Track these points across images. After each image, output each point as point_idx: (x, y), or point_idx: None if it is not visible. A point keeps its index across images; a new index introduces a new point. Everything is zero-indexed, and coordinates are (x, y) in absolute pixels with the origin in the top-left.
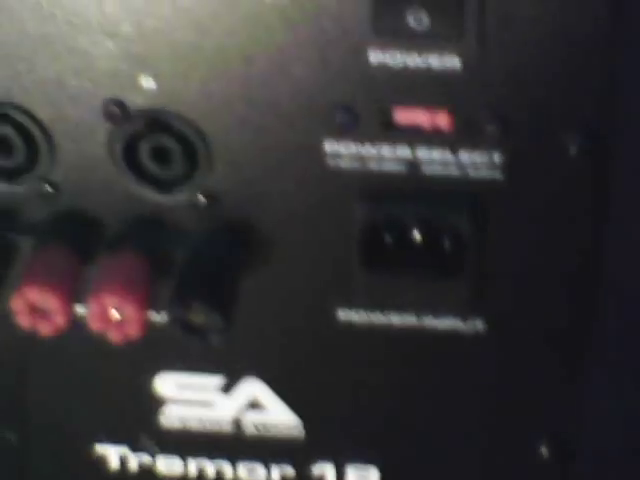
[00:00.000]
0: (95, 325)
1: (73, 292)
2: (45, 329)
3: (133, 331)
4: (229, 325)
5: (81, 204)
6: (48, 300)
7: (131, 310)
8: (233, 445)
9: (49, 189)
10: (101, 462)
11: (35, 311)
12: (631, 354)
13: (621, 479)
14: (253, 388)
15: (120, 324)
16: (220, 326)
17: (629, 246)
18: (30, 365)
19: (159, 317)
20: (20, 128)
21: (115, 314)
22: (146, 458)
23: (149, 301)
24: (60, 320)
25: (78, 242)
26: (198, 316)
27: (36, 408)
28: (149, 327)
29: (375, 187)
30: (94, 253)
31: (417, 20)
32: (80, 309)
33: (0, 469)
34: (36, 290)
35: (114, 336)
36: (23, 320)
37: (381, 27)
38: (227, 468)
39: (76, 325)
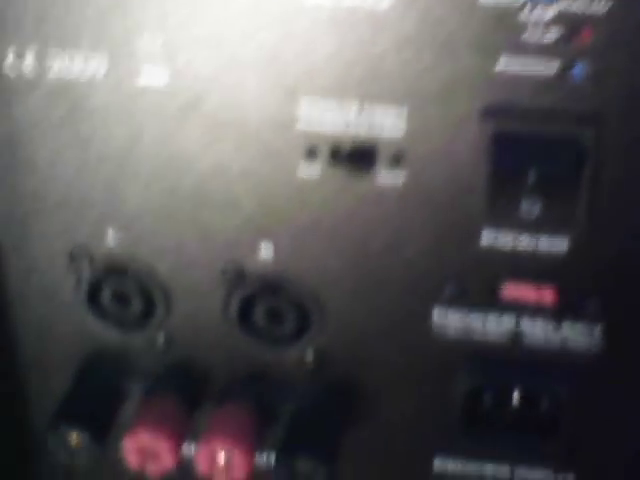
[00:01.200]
0: (203, 468)
1: (181, 438)
2: (153, 470)
3: (239, 476)
4: (331, 474)
5: (193, 357)
6: (158, 442)
7: (238, 456)
8: None
9: (163, 341)
10: None
11: (145, 453)
12: None
13: None
14: None
15: (226, 469)
16: (323, 475)
17: None
18: None
19: (261, 458)
20: (139, 284)
21: (222, 459)
22: None
23: (255, 449)
24: (168, 462)
25: (188, 392)
26: (304, 465)
27: None
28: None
29: (479, 355)
30: (203, 403)
31: (529, 207)
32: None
33: None
34: (148, 434)
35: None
36: (133, 461)
37: (495, 215)
38: None
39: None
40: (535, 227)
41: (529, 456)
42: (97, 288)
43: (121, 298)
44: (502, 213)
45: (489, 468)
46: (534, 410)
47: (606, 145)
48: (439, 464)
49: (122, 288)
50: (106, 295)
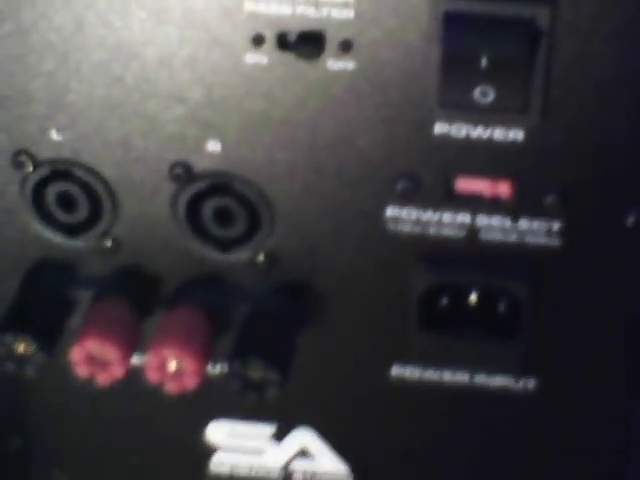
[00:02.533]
0: (153, 377)
1: (131, 344)
2: (102, 379)
3: (190, 383)
4: (285, 380)
5: (142, 260)
6: (107, 351)
7: (189, 363)
8: None
9: (110, 244)
10: None
11: (93, 362)
12: None
13: None
14: (305, 437)
15: (177, 376)
16: (277, 381)
17: None
18: (82, 410)
19: (214, 368)
20: (85, 186)
21: (173, 366)
22: None
23: (207, 355)
24: (118, 371)
25: (138, 296)
26: (256, 372)
27: (88, 451)
28: (206, 378)
29: (434, 252)
30: (154, 307)
31: (483, 94)
32: (135, 360)
33: None
34: (96, 341)
35: (171, 388)
36: (81, 370)
37: (447, 100)
38: None
39: (132, 374)
40: (489, 115)
41: (489, 361)
42: (42, 191)
43: (67, 201)
44: (455, 100)
45: (447, 375)
46: (492, 311)
47: (561, 25)
48: (397, 370)
49: (67, 190)
50: (51, 198)
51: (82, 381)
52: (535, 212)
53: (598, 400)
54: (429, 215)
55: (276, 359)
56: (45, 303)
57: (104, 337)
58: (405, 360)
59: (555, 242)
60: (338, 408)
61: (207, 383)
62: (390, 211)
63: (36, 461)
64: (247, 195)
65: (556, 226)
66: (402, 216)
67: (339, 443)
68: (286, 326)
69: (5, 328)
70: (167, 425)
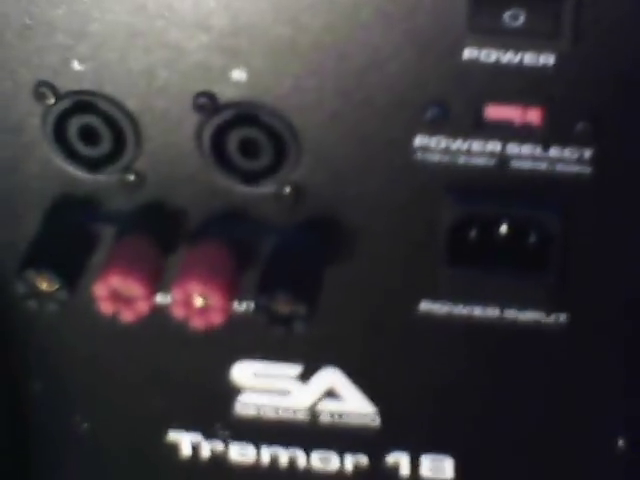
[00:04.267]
0: (178, 312)
1: (155, 280)
2: (127, 316)
3: (216, 319)
4: (313, 314)
5: (166, 194)
6: (131, 287)
7: (215, 298)
8: (307, 434)
9: (134, 178)
10: (173, 449)
11: (118, 298)
12: None
13: None
14: (331, 377)
15: (203, 312)
16: (304, 315)
17: None
18: (105, 351)
19: (240, 306)
20: (108, 118)
21: (199, 301)
22: (219, 445)
23: (233, 290)
24: (142, 307)
25: (162, 232)
26: (283, 305)
27: (110, 395)
28: (232, 316)
29: (464, 182)
30: (178, 243)
31: (513, 17)
32: (161, 298)
33: (72, 456)
34: (119, 277)
35: (197, 323)
36: (106, 307)
37: (477, 24)
38: (301, 457)
39: (157, 313)
40: (519, 39)
41: (519, 296)
42: (63, 124)
43: (89, 134)
44: (485, 24)
45: (477, 310)
46: (523, 245)
47: None
48: (425, 306)
49: (90, 122)
50: (73, 131)
51: (106, 319)
52: (566, 140)
53: (630, 335)
54: (458, 144)
55: (303, 292)
56: (67, 240)
57: (128, 273)
58: (434, 295)
59: (586, 170)
60: (365, 347)
61: (233, 322)
62: (419, 140)
63: (57, 407)
64: (273, 125)
65: (587, 154)
66: (431, 145)
67: (366, 383)
68: (313, 260)
69: (27, 265)
70: (192, 366)
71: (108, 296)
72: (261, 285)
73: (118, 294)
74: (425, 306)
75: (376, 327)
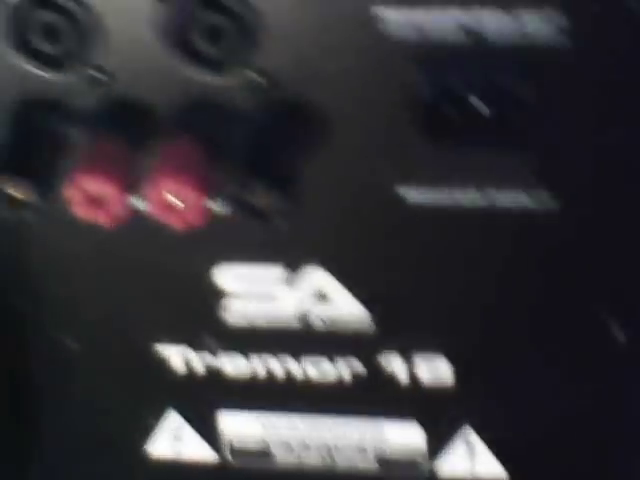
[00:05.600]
0: (155, 212)
1: (128, 180)
2: (103, 219)
3: (193, 217)
4: (292, 205)
5: (133, 91)
6: (103, 188)
7: (190, 194)
8: (299, 339)
9: (99, 76)
10: (164, 364)
11: (91, 201)
12: None
13: None
14: (317, 279)
15: (180, 210)
16: (283, 206)
17: None
18: (88, 264)
19: (218, 207)
20: (67, 13)
21: (174, 200)
22: (210, 359)
23: (208, 186)
24: (117, 209)
25: (131, 130)
26: (260, 197)
27: (94, 310)
28: (210, 217)
29: (436, 56)
30: (149, 141)
31: None
32: (138, 202)
33: (62, 375)
34: (91, 178)
35: (175, 223)
36: (80, 210)
37: None
38: (294, 365)
39: (134, 219)
40: None
41: (499, 175)
42: (24, 24)
43: (50, 32)
44: None
45: (458, 194)
46: (502, 122)
47: None
48: (407, 193)
49: (51, 19)
50: (35, 30)
51: (86, 228)
52: (538, 4)
53: (623, 220)
54: (426, 15)
55: (280, 182)
56: (37, 144)
57: (98, 172)
58: (416, 181)
59: (563, 40)
60: (348, 242)
61: (213, 224)
62: (384, 12)
63: (45, 327)
64: (236, 8)
65: (563, 22)
66: (399, 19)
67: (354, 282)
68: (287, 149)
69: None
70: (175, 271)
71: (81, 199)
72: (237, 177)
73: (91, 197)
74: (407, 193)
75: (357, 219)
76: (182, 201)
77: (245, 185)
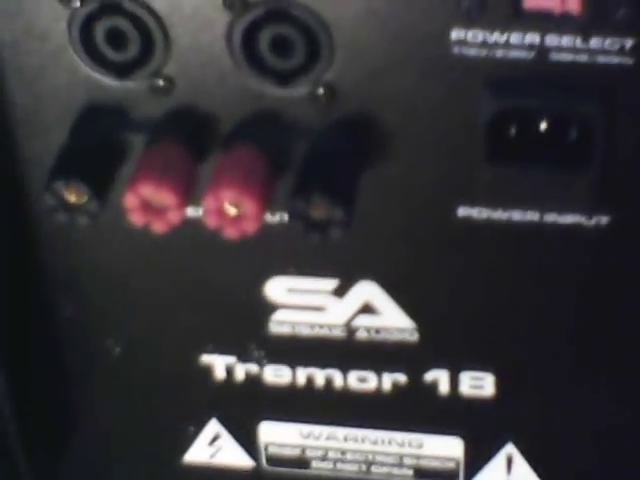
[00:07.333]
0: (211, 221)
1: (187, 188)
2: (159, 227)
3: (249, 227)
4: (349, 219)
5: (197, 99)
6: (162, 196)
7: (248, 205)
8: (344, 351)
9: (165, 84)
10: (209, 373)
11: (148, 209)
12: None
13: None
14: (367, 291)
15: (237, 220)
16: (340, 219)
17: None
18: (137, 269)
19: (274, 218)
20: (135, 20)
21: (232, 210)
22: (253, 367)
23: (267, 197)
24: (174, 217)
25: (193, 139)
26: (319, 209)
27: (143, 316)
28: (265, 229)
29: (502, 75)
30: (209, 150)
31: None
32: (192, 211)
33: (105, 380)
34: (150, 186)
35: (230, 233)
36: (136, 218)
37: None
38: (337, 376)
39: (186, 227)
40: None
41: (559, 195)
42: (90, 28)
43: (117, 38)
44: None
45: (516, 214)
46: (563, 142)
47: None
48: (463, 211)
49: (117, 25)
50: (100, 36)
51: (138, 233)
52: (607, 29)
53: None
54: (496, 36)
55: (340, 196)
56: (96, 149)
57: (159, 181)
58: (472, 200)
59: (628, 61)
60: (401, 257)
61: (267, 234)
62: (455, 33)
63: (89, 331)
64: (305, 21)
65: (629, 43)
66: (468, 38)
67: (403, 296)
68: (348, 163)
69: (55, 176)
70: (225, 283)
71: (139, 207)
72: (296, 189)
73: (149, 204)
74: (463, 212)
75: (413, 235)
76: (240, 212)
77: (304, 196)
